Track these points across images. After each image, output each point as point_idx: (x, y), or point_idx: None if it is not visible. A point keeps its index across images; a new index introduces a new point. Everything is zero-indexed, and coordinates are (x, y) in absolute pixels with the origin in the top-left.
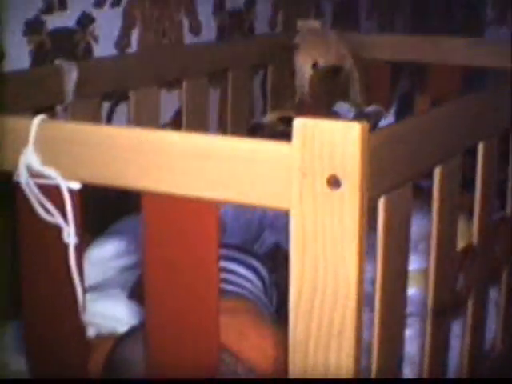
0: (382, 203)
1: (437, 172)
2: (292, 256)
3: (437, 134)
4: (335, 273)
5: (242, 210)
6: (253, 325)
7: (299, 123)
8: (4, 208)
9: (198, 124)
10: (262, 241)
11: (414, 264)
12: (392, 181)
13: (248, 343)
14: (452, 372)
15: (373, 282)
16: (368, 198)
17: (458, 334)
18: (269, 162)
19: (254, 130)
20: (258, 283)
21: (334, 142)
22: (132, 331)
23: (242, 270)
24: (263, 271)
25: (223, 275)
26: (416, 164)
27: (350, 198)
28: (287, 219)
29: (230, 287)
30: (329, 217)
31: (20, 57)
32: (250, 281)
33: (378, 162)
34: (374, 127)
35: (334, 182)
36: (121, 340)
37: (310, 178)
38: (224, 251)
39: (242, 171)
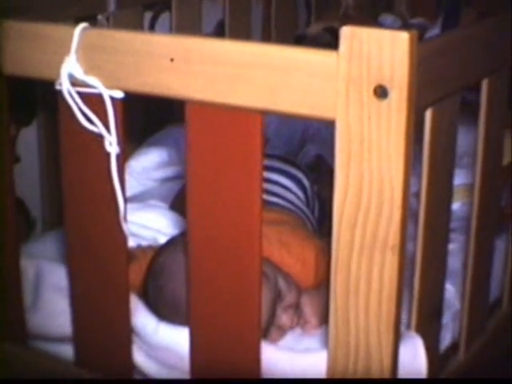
0: (429, 115)
1: (484, 84)
2: (337, 167)
3: (485, 47)
4: (380, 184)
5: (285, 121)
6: (295, 237)
7: (347, 31)
8: (46, 117)
9: (241, 35)
10: (305, 152)
11: (458, 179)
12: (439, 92)
13: (289, 255)
14: (494, 288)
15: (416, 196)
16: (415, 109)
17: (501, 250)
18: (315, 70)
19: (299, 42)
20: (301, 194)
21: (382, 51)
22: (173, 240)
23: (284, 180)
24: (306, 182)
25: (266, 186)
26: (464, 75)
27: (397, 108)
28: (330, 132)
29: (272, 198)
30: (375, 127)
31: None
32: (292, 192)
33: (426, 72)
34: (419, 40)
35: (381, 92)
36: (162, 248)
37: (357, 87)
38: (267, 162)
39: (288, 80)
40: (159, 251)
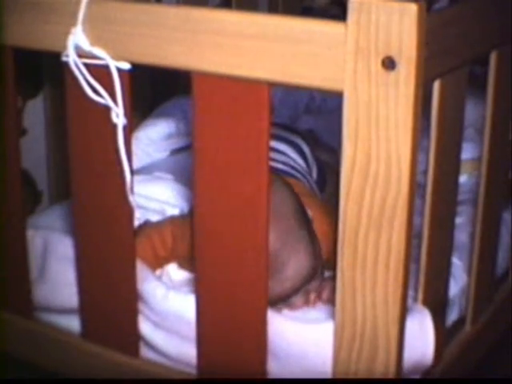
0: (437, 86)
1: (493, 56)
2: (344, 139)
3: (493, 19)
4: (388, 156)
5: (290, 91)
6: (317, 209)
7: (355, 2)
8: (52, 89)
9: (248, 6)
10: (298, 124)
11: (464, 153)
12: (448, 64)
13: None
14: (501, 261)
15: (423, 173)
16: (423, 81)
17: (508, 223)
18: (323, 42)
19: (306, 14)
20: (300, 161)
21: (390, 22)
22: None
23: (283, 146)
24: (305, 148)
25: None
26: (472, 48)
27: (405, 79)
28: (336, 103)
29: (278, 165)
30: (383, 99)
31: None
32: (290, 157)
33: (435, 44)
34: (427, 11)
35: (389, 64)
36: None
37: (365, 59)
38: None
39: (295, 52)
40: None
